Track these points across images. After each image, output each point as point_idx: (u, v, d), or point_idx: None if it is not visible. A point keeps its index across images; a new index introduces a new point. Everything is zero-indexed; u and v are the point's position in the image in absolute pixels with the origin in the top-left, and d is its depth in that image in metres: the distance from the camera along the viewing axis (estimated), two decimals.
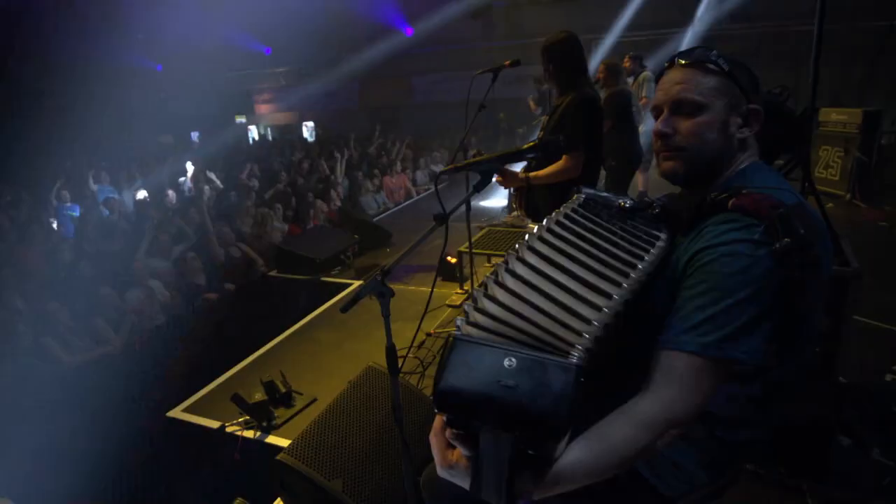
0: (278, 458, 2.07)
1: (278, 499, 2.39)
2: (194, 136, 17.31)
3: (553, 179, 2.90)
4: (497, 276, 0.99)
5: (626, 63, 6.35)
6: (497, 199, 7.41)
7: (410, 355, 3.37)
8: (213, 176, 8.75)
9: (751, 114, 1.17)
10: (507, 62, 3.22)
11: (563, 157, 2.85)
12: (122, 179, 9.03)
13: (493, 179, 2.09)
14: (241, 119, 17.80)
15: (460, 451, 0.95)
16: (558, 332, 0.90)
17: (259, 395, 2.96)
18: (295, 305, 4.56)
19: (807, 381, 2.31)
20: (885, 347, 3.23)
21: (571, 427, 0.86)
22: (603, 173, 4.22)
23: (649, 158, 5.76)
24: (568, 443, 0.92)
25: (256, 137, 17.47)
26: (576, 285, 0.95)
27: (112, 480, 2.83)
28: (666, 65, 1.23)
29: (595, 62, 8.07)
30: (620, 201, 1.15)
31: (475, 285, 4.05)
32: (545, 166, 2.92)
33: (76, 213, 7.10)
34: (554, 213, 1.10)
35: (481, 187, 1.59)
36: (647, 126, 6.00)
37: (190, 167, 8.97)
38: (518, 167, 3.01)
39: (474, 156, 3.19)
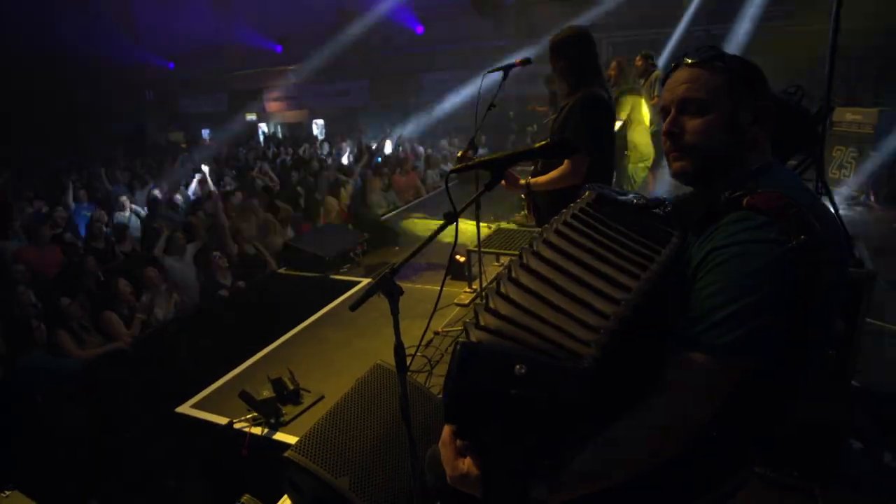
0: (286, 454, 2.07)
1: (285, 496, 2.40)
2: (205, 133, 17.46)
3: (553, 186, 2.75)
4: (511, 271, 0.98)
5: (638, 62, 6.28)
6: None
7: (418, 354, 3.37)
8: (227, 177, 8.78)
9: (761, 112, 1.15)
10: (518, 60, 3.19)
11: (565, 161, 2.67)
12: (135, 179, 9.11)
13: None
14: (251, 117, 17.90)
15: (471, 461, 0.93)
16: (572, 329, 0.87)
17: (267, 392, 2.97)
18: (304, 303, 4.57)
19: (819, 383, 2.29)
20: None
21: (584, 433, 0.84)
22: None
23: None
24: (581, 448, 0.91)
25: (268, 133, 17.57)
26: (592, 278, 0.93)
27: (121, 475, 2.86)
28: (672, 65, 1.22)
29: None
30: (633, 199, 1.14)
31: (483, 284, 4.04)
32: (553, 168, 2.77)
33: (90, 212, 7.16)
34: (565, 210, 1.09)
35: (492, 186, 1.58)
36: (659, 126, 5.96)
37: (205, 168, 9.00)
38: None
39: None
